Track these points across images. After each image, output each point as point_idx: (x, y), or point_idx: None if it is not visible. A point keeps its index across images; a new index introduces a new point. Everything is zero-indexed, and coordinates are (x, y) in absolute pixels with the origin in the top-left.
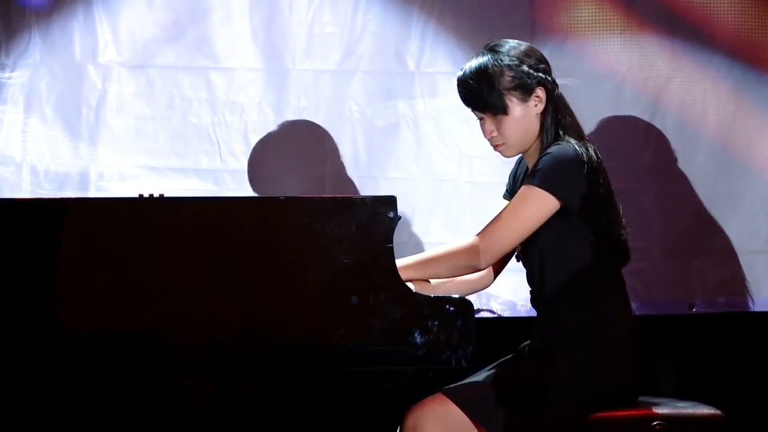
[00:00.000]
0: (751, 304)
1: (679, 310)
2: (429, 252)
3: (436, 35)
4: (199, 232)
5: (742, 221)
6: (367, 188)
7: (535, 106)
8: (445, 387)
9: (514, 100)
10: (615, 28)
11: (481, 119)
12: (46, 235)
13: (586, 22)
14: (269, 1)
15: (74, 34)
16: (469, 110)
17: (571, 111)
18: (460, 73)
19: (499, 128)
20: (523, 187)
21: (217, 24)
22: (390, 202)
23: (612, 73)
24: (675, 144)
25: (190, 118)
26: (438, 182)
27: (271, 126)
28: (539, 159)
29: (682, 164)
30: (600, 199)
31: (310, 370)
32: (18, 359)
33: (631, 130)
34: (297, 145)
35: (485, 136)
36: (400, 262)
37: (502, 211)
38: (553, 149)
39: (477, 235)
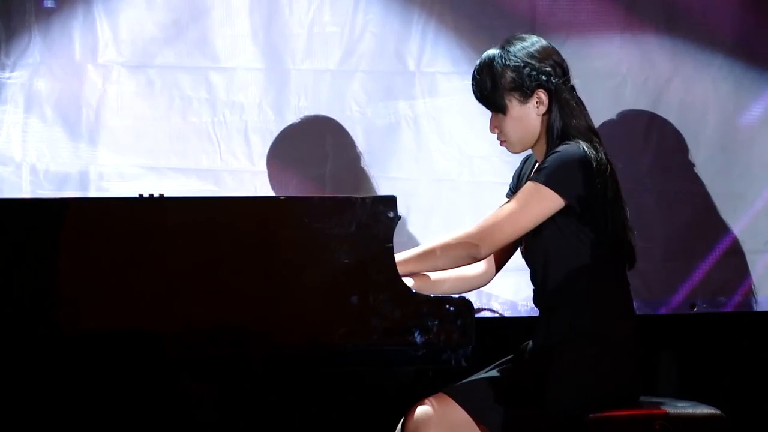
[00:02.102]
0: (751, 304)
1: (679, 310)
2: (427, 244)
3: (436, 35)
4: (199, 232)
5: (743, 221)
6: (367, 188)
7: (537, 107)
8: (447, 386)
9: (514, 101)
10: (615, 28)
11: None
12: (46, 235)
13: (586, 22)
14: (269, 1)
15: (74, 34)
16: (469, 110)
17: (582, 112)
18: (475, 65)
19: (500, 126)
20: (528, 182)
21: (217, 24)
22: (390, 202)
23: (612, 73)
24: (675, 144)
25: (190, 118)
26: (438, 182)
27: (271, 126)
28: (546, 158)
29: (682, 164)
30: (606, 202)
31: (310, 370)
32: (18, 359)
33: (631, 130)
34: (297, 145)
35: (490, 131)
36: (398, 257)
37: (504, 205)
38: (560, 148)
39: (476, 225)
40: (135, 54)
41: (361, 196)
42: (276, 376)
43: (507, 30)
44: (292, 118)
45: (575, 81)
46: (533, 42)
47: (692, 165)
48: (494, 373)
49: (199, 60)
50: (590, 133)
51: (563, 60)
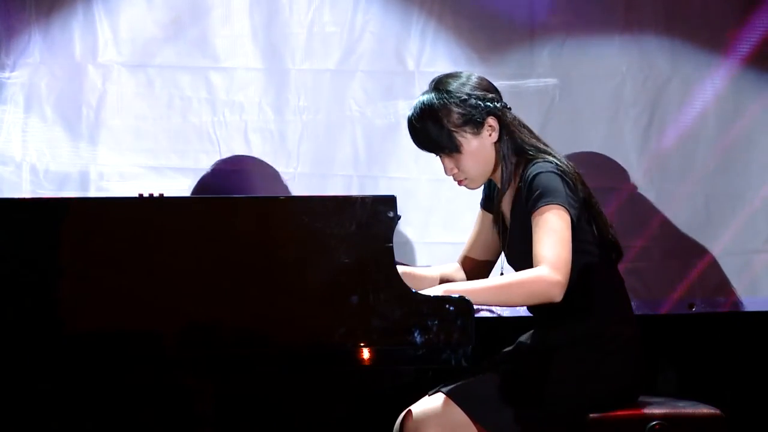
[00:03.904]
0: (750, 304)
1: (678, 310)
2: (500, 278)
3: (436, 35)
4: (199, 232)
5: (742, 221)
6: (367, 188)
7: (490, 135)
8: (446, 387)
9: (467, 135)
10: (614, 28)
11: (439, 157)
12: (46, 235)
13: (586, 22)
14: (269, 0)
15: (74, 33)
16: None
17: (529, 129)
18: (408, 116)
19: (458, 165)
20: (543, 210)
21: (217, 23)
22: (390, 201)
23: (611, 73)
24: (674, 144)
25: (190, 118)
26: (438, 182)
27: (271, 126)
28: (530, 182)
29: (682, 164)
30: (585, 204)
31: (310, 369)
32: (18, 359)
33: (631, 130)
34: (297, 144)
35: (446, 173)
36: (468, 285)
37: (546, 239)
38: (537, 169)
39: (544, 265)
40: (135, 53)
41: (361, 196)
42: (276, 376)
43: (507, 30)
44: (292, 117)
45: (575, 81)
46: (466, 76)
47: (691, 165)
48: (494, 373)
49: (199, 60)
50: (544, 146)
51: (486, 79)
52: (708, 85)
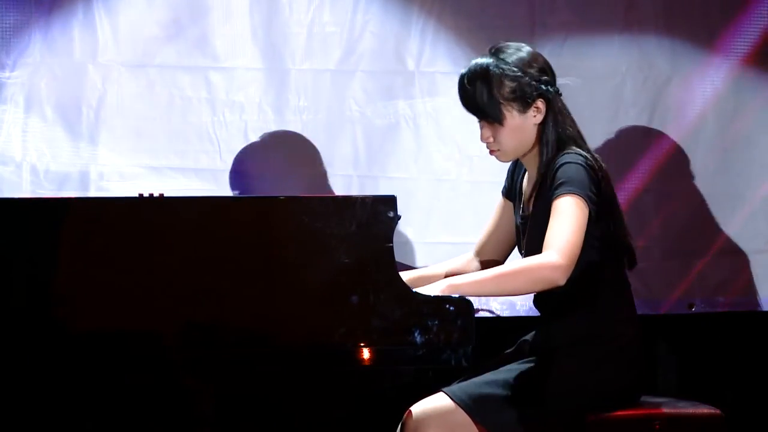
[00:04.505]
0: (750, 304)
1: (678, 310)
2: (502, 267)
3: (436, 35)
4: (199, 232)
5: (741, 221)
6: (367, 188)
7: (534, 116)
8: (447, 386)
9: (513, 111)
10: (614, 28)
11: (479, 122)
12: (46, 235)
13: (586, 22)
14: (269, 0)
15: (74, 33)
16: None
17: (572, 120)
18: (461, 73)
19: (495, 135)
20: (563, 198)
21: (217, 23)
22: (390, 201)
23: (611, 73)
24: (674, 143)
25: (190, 118)
26: (438, 182)
27: (271, 126)
28: (557, 169)
29: (682, 164)
30: (608, 203)
31: (310, 369)
32: (18, 359)
33: (631, 130)
34: (297, 144)
35: (482, 140)
36: (472, 277)
37: (557, 225)
38: (566, 159)
39: (551, 250)
40: (135, 53)
41: (361, 196)
42: (276, 376)
43: (507, 30)
44: (292, 118)
45: (575, 81)
46: (525, 50)
47: (691, 164)
48: (495, 373)
49: (199, 59)
50: (581, 140)
51: (545, 60)
52: (708, 85)
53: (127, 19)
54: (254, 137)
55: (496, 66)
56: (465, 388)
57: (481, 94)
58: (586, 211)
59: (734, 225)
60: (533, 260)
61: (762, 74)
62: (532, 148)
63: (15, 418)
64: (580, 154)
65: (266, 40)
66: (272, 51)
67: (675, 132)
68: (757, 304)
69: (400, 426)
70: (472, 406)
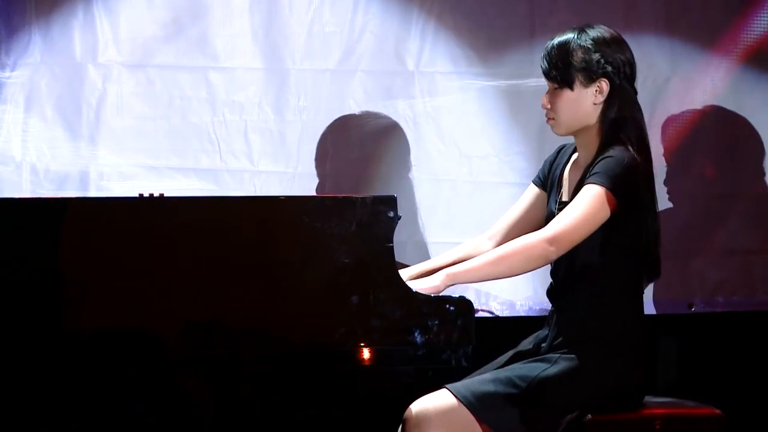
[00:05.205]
0: (750, 304)
1: (678, 310)
2: (496, 250)
3: (435, 35)
4: (199, 232)
5: (741, 221)
6: (366, 188)
7: (594, 95)
8: (450, 383)
9: (578, 80)
10: (614, 28)
11: (547, 87)
12: (46, 235)
13: (586, 22)
14: (269, 0)
15: (74, 33)
16: (468, 110)
17: (637, 114)
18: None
19: (554, 102)
20: (589, 185)
21: (217, 23)
22: (390, 201)
23: None
24: (674, 144)
25: (190, 118)
26: (438, 182)
27: (271, 125)
28: (600, 160)
29: (682, 164)
30: (645, 209)
31: (310, 369)
32: (18, 359)
33: None
34: (297, 144)
35: (542, 106)
36: (469, 264)
37: (569, 208)
38: (613, 153)
39: (549, 227)
40: (135, 53)
41: (361, 196)
42: (276, 376)
43: (507, 30)
44: (292, 117)
45: None
46: (610, 32)
47: (691, 164)
48: (498, 371)
49: (198, 59)
50: (641, 141)
51: (633, 58)
52: (708, 84)
53: (127, 19)
54: (254, 137)
55: (576, 37)
56: (469, 385)
57: (559, 54)
58: (606, 205)
59: (734, 225)
60: (527, 238)
61: (762, 74)
62: (587, 128)
63: (15, 418)
64: (628, 152)
65: (266, 40)
66: (272, 51)
67: (675, 132)
68: (756, 304)
69: (402, 422)
70: (475, 404)
